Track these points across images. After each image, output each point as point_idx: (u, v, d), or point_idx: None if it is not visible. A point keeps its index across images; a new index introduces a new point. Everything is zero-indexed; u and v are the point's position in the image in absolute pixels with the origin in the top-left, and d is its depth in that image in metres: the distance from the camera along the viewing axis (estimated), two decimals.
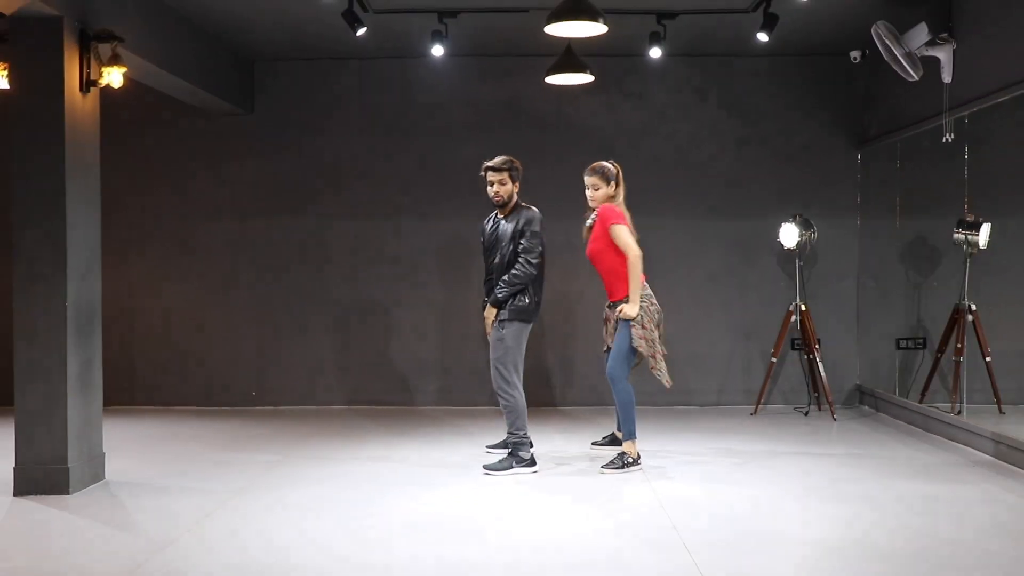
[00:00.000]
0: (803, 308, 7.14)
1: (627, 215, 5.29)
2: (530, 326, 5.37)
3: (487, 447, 5.79)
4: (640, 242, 5.31)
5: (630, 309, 5.13)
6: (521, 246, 5.26)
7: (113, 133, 6.77)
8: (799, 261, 7.23)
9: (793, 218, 7.20)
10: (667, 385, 5.23)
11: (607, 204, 5.26)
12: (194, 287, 7.69)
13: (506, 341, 5.28)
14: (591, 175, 5.32)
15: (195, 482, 5.10)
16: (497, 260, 5.37)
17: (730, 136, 7.61)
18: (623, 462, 5.23)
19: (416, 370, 7.62)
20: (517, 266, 5.23)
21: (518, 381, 5.28)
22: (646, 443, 5.77)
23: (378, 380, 7.63)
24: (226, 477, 5.20)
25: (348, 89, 7.65)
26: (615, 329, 5.30)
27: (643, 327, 5.15)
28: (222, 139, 7.64)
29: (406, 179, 7.62)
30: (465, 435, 6.40)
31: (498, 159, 5.37)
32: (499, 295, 5.24)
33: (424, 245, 7.62)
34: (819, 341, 7.21)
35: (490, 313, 5.31)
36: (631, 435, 5.28)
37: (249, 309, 7.68)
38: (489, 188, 5.36)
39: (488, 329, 5.35)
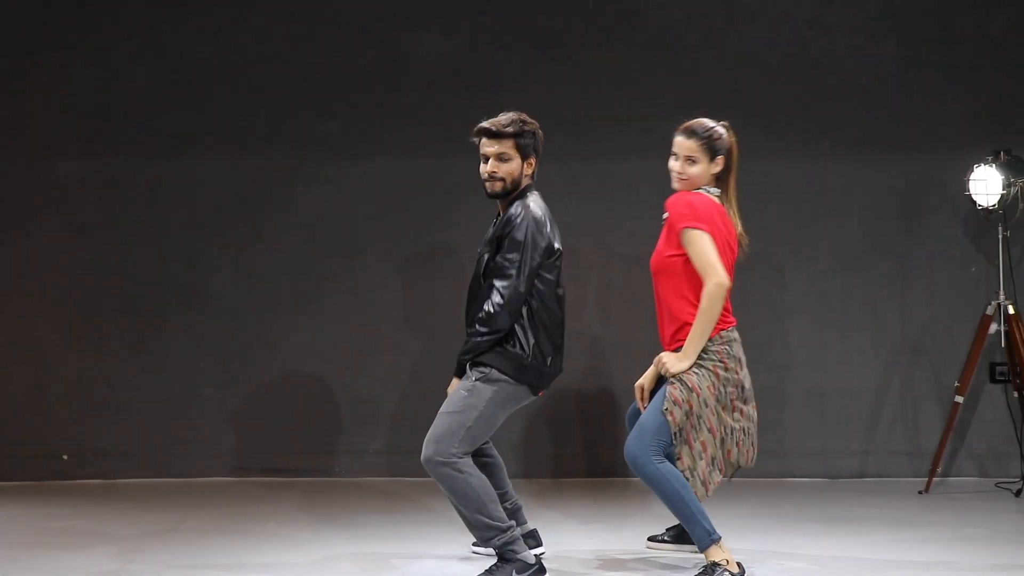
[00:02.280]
0: (1011, 311, 7.14)
1: (722, 220, 5.31)
2: (524, 395, 5.37)
3: (474, 545, 5.72)
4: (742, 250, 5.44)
5: (676, 363, 5.17)
6: (496, 264, 5.31)
7: None
8: (1004, 230, 7.17)
9: (994, 157, 7.14)
10: (700, 496, 5.19)
11: (685, 194, 5.27)
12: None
13: (474, 400, 5.20)
14: (687, 137, 5.31)
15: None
16: (473, 284, 5.55)
17: (884, 19, 7.69)
18: None
19: (351, 416, 7.72)
20: (485, 304, 5.23)
21: (467, 454, 5.27)
22: (739, 541, 5.71)
23: (285, 433, 7.74)
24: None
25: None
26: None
27: (689, 389, 5.09)
28: (16, 21, 7.69)
29: (330, 92, 7.73)
30: (433, 523, 6.42)
31: (503, 117, 5.38)
32: (461, 355, 5.34)
33: (369, 204, 7.72)
34: None
35: (454, 384, 5.46)
36: (708, 538, 5.10)
37: (63, 313, 7.73)
38: (483, 165, 5.39)
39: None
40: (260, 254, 7.71)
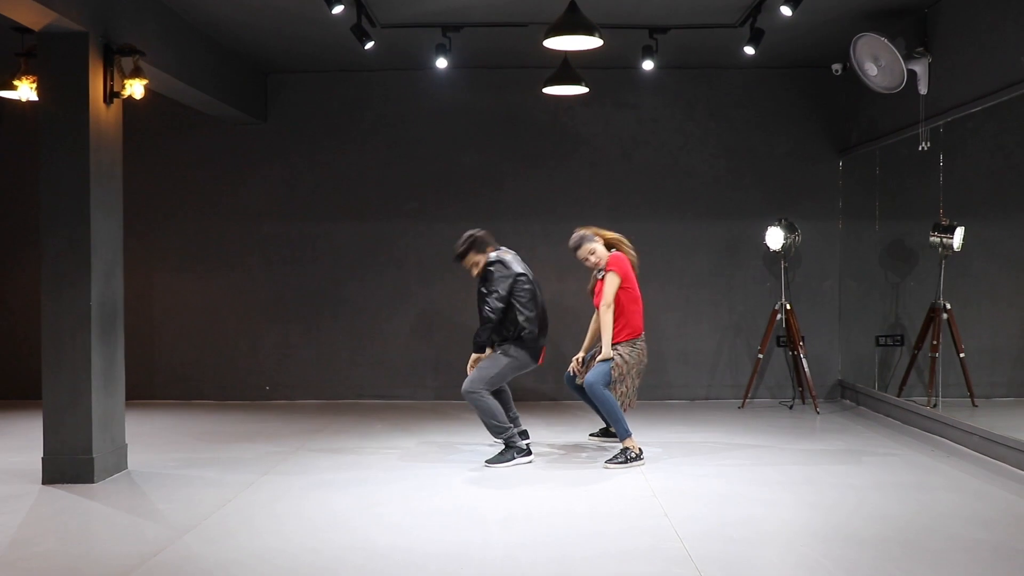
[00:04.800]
0: (788, 307, 7.16)
1: (633, 278, 5.22)
2: (528, 361, 5.31)
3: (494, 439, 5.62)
4: (637, 250, 5.36)
5: (603, 354, 5.13)
6: (483, 292, 5.26)
7: (135, 142, 6.83)
8: (784, 262, 7.25)
9: (779, 222, 7.23)
10: (625, 407, 5.18)
11: (614, 256, 5.21)
12: (211, 287, 7.72)
13: (500, 361, 5.26)
14: (581, 245, 5.22)
15: (213, 472, 5.09)
16: (477, 298, 5.43)
17: (718, 144, 7.64)
18: (626, 457, 5.17)
19: (421, 366, 7.65)
20: (483, 312, 5.25)
21: (488, 391, 5.27)
22: (639, 436, 5.75)
23: (385, 375, 7.66)
24: (243, 468, 5.19)
25: (356, 100, 7.68)
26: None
27: (624, 357, 5.14)
28: (238, 147, 7.69)
29: (411, 185, 7.66)
30: (466, 429, 6.38)
31: (456, 246, 5.34)
32: (477, 338, 5.27)
33: (428, 247, 7.62)
34: (803, 338, 7.21)
35: (473, 358, 5.34)
36: (627, 433, 5.23)
37: (263, 309, 7.71)
38: (472, 270, 5.38)
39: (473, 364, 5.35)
40: (374, 277, 7.59)
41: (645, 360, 5.30)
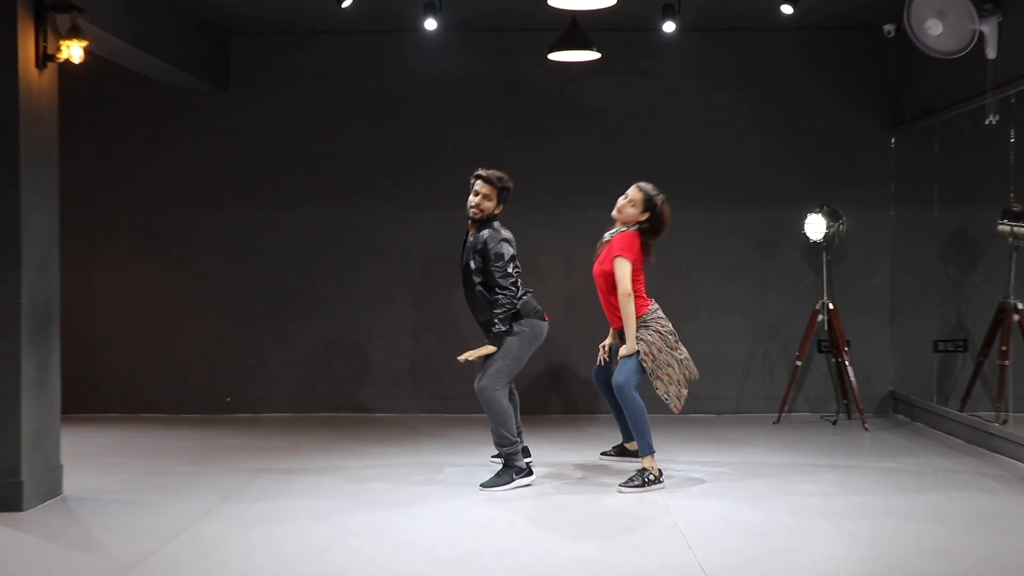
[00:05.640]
0: (831, 307, 7.16)
1: (643, 255, 5.32)
2: (537, 328, 5.37)
3: (492, 457, 5.76)
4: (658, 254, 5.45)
5: (627, 350, 5.22)
6: (491, 269, 5.22)
7: (73, 114, 6.79)
8: (826, 255, 7.26)
9: (820, 209, 7.22)
10: (674, 410, 5.28)
11: (626, 234, 5.28)
12: (164, 283, 7.72)
13: (511, 344, 5.28)
14: (637, 191, 5.34)
15: (164, 497, 5.08)
16: (465, 281, 5.37)
17: (750, 119, 7.64)
18: (643, 479, 5.19)
19: (408, 374, 7.68)
20: (496, 294, 5.23)
21: (505, 391, 5.30)
22: (660, 455, 5.71)
23: (367, 385, 7.69)
24: (199, 492, 5.19)
25: (333, 66, 7.67)
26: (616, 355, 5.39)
27: (647, 343, 5.22)
28: (194, 120, 7.66)
29: (397, 166, 7.65)
30: (461, 446, 6.43)
31: (495, 172, 5.32)
32: (494, 330, 5.22)
33: (417, 237, 7.65)
34: (848, 343, 7.22)
35: (481, 351, 5.27)
36: (649, 449, 5.26)
37: (225, 307, 7.71)
38: (472, 197, 5.32)
39: (473, 356, 5.32)
40: (353, 272, 7.60)
41: (667, 326, 5.31)
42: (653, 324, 5.28)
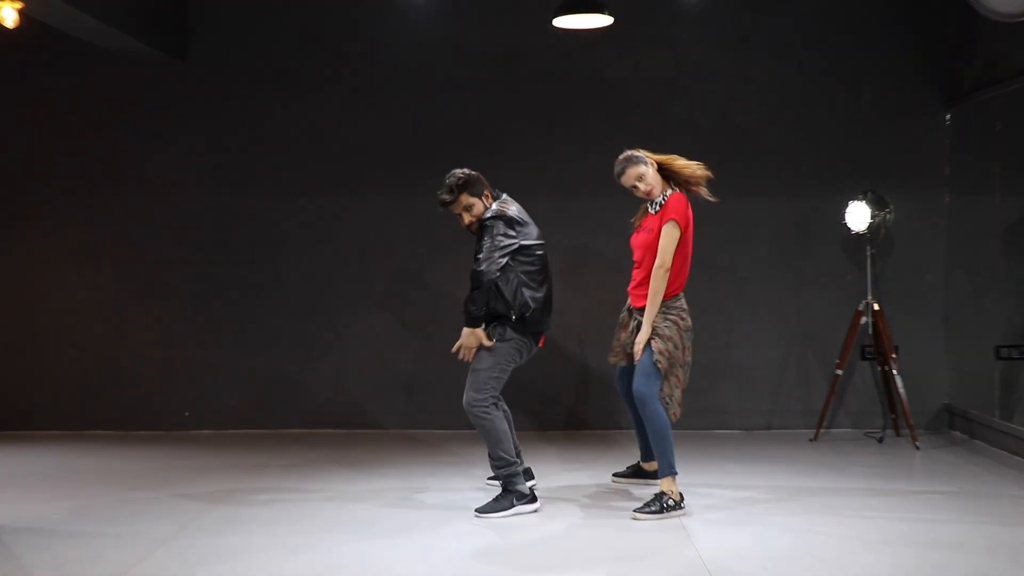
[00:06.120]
0: (876, 307, 7.15)
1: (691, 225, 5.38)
2: (529, 345, 5.44)
3: (488, 479, 5.80)
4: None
5: (639, 341, 5.26)
6: (480, 245, 5.33)
7: (4, 88, 6.76)
8: (871, 249, 7.25)
9: (864, 195, 7.21)
10: (672, 418, 5.30)
11: (678, 195, 5.35)
12: (110, 280, 7.71)
13: (499, 351, 5.34)
14: (621, 175, 5.40)
15: (112, 528, 5.06)
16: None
17: (784, 93, 7.66)
18: (662, 505, 5.19)
19: (390, 386, 7.68)
20: (473, 268, 5.31)
21: (495, 400, 5.35)
22: (681, 477, 5.73)
23: (345, 397, 7.70)
24: (152, 521, 5.17)
25: (306, 33, 7.67)
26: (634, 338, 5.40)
27: (664, 339, 5.24)
28: (147, 96, 7.66)
29: (378, 147, 7.65)
30: (454, 466, 6.44)
31: (449, 181, 5.42)
32: (471, 307, 5.28)
33: (401, 230, 7.67)
34: (896, 349, 7.23)
35: (474, 335, 5.30)
36: (670, 469, 5.27)
37: (181, 308, 7.72)
38: (461, 221, 5.47)
39: (465, 351, 5.37)
40: (327, 270, 7.61)
41: (687, 322, 5.35)
42: (674, 314, 5.28)
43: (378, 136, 7.63)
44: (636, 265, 5.45)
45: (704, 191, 5.46)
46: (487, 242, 5.29)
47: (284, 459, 6.68)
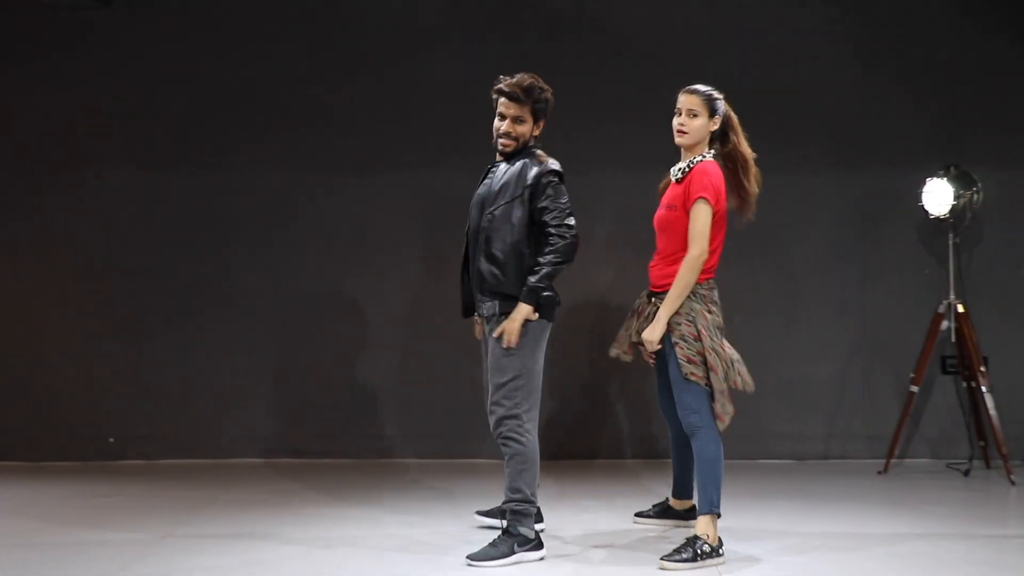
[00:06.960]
0: (960, 309, 7.21)
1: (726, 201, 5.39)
2: (549, 325, 5.34)
3: (478, 513, 5.86)
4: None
5: (650, 332, 5.25)
6: (543, 207, 5.19)
7: None
8: (954, 237, 7.29)
9: (945, 171, 7.26)
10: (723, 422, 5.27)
11: (708, 163, 5.35)
12: (16, 283, 7.75)
13: (519, 354, 5.22)
14: (690, 95, 5.44)
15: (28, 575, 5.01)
16: (482, 223, 5.31)
17: (845, 46, 7.70)
18: (696, 551, 5.13)
19: (363, 406, 7.71)
20: (551, 237, 5.17)
21: (534, 416, 5.26)
22: (721, 519, 5.69)
23: (312, 419, 7.73)
24: (76, 568, 5.13)
25: None
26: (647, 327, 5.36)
27: (690, 340, 5.21)
28: (65, 47, 7.69)
29: (351, 112, 7.70)
30: (438, 502, 6.43)
31: (522, 80, 5.32)
32: (534, 282, 5.13)
33: (384, 213, 7.71)
34: (986, 361, 7.25)
35: (516, 321, 5.16)
36: (711, 507, 5.22)
37: (104, 315, 7.73)
38: (498, 122, 5.33)
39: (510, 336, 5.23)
40: (286, 263, 7.69)
41: (715, 314, 5.32)
42: (700, 303, 5.26)
43: (348, 97, 7.67)
44: (660, 250, 5.47)
45: (749, 207, 5.50)
46: (560, 201, 5.22)
47: (234, 494, 6.67)
